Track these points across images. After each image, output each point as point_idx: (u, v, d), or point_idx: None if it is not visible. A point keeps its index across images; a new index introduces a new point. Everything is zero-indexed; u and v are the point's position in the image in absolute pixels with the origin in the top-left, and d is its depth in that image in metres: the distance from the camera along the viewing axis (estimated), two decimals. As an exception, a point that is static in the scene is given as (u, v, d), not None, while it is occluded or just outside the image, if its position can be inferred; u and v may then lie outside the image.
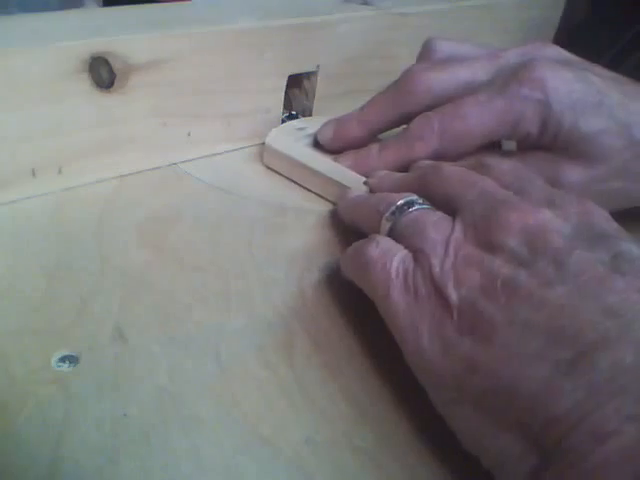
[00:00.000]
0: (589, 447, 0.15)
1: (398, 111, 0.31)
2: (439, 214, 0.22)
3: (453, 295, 0.19)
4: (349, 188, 0.30)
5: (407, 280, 0.21)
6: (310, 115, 0.38)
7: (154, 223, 0.28)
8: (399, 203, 0.24)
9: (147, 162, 0.32)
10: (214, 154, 0.35)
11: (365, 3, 0.39)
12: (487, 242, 0.20)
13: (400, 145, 0.30)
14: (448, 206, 0.23)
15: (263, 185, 0.33)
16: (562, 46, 0.31)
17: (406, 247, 0.22)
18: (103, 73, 0.28)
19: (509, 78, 0.28)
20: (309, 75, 0.37)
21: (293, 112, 0.37)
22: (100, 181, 0.31)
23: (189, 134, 0.33)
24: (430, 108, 0.29)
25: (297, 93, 0.38)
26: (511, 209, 0.20)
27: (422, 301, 0.20)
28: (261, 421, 0.20)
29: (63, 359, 0.21)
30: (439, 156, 0.29)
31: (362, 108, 0.32)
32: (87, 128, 0.29)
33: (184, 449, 0.18)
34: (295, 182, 0.33)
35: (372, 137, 0.32)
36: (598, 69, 0.30)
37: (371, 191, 0.29)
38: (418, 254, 0.21)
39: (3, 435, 0.18)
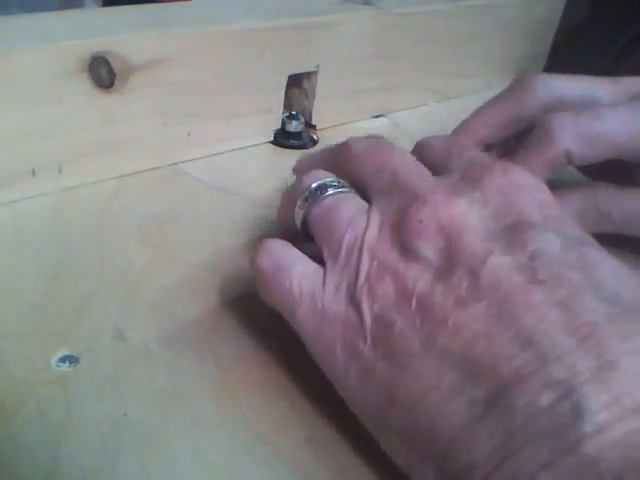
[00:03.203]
0: None
1: (512, 113, 0.28)
2: (354, 204, 0.20)
3: (367, 313, 0.17)
4: None
5: (314, 297, 0.18)
6: (310, 115, 0.38)
7: (154, 223, 0.28)
8: (313, 186, 0.21)
9: (147, 162, 0.32)
10: (214, 154, 0.35)
11: (365, 3, 0.39)
12: (402, 246, 0.18)
13: (530, 146, 0.26)
14: (362, 192, 0.20)
15: (263, 185, 0.33)
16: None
17: (319, 245, 0.20)
18: (103, 73, 0.28)
19: None
20: (309, 75, 0.37)
21: (293, 112, 0.37)
22: (100, 181, 0.31)
23: (189, 134, 0.33)
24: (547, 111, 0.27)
25: (297, 93, 0.38)
26: (424, 203, 0.18)
27: (333, 320, 0.18)
28: (261, 421, 0.19)
29: (63, 359, 0.21)
30: (573, 160, 0.26)
31: (466, 120, 0.30)
32: (87, 128, 0.29)
33: (184, 449, 0.18)
34: None
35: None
36: None
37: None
38: (329, 260, 0.19)
39: (2, 435, 0.18)
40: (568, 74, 0.29)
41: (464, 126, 0.30)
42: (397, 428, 0.16)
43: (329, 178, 0.21)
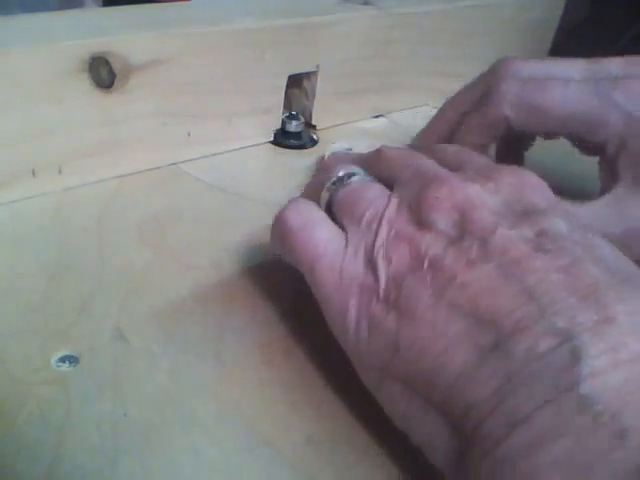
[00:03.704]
0: (502, 434, 0.15)
1: (479, 91, 0.30)
2: (377, 187, 0.22)
3: (382, 273, 0.19)
4: None
5: (335, 256, 0.20)
6: (310, 115, 0.38)
7: (154, 223, 0.28)
8: (340, 174, 0.23)
9: (147, 162, 0.32)
10: (214, 154, 0.35)
11: (365, 3, 0.39)
12: (418, 220, 0.19)
13: (476, 113, 0.29)
14: (388, 187, 0.22)
15: (263, 185, 0.33)
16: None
17: (340, 220, 0.21)
18: (103, 73, 0.28)
19: (608, 80, 0.27)
20: (309, 75, 0.37)
21: (293, 112, 0.37)
22: (100, 181, 0.31)
23: (189, 134, 0.33)
24: None
25: (297, 93, 0.38)
26: (441, 185, 0.19)
27: (350, 279, 0.19)
28: (262, 421, 0.20)
29: (63, 359, 0.21)
30: (512, 126, 0.28)
31: (444, 103, 0.32)
32: (87, 128, 0.29)
33: (184, 449, 0.18)
34: None
35: (458, 126, 0.31)
36: None
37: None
38: (351, 228, 0.20)
39: (3, 435, 0.18)
40: (543, 57, 0.30)
41: (442, 108, 0.33)
42: (401, 375, 0.18)
43: (356, 169, 0.23)
